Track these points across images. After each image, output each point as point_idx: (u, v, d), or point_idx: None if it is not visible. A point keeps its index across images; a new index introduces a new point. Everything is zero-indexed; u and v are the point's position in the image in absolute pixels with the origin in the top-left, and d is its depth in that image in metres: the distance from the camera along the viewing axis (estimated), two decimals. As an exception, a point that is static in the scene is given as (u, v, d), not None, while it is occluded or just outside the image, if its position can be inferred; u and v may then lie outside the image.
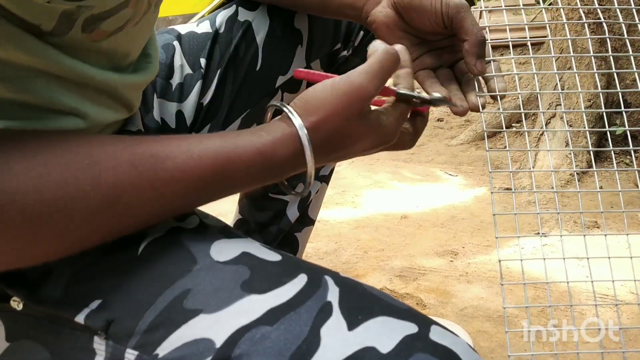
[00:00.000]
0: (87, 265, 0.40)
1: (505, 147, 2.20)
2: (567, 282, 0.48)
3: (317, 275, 0.40)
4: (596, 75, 0.69)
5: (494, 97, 0.60)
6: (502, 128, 2.30)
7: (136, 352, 0.36)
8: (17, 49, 0.36)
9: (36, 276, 0.40)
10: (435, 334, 0.37)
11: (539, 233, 1.44)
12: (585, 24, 0.77)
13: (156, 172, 0.37)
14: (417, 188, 1.99)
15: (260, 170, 0.42)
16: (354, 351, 0.35)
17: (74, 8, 0.37)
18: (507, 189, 1.82)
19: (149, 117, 0.65)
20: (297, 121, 0.42)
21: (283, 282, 0.38)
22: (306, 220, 0.92)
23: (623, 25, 0.64)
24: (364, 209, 1.77)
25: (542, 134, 2.04)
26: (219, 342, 0.35)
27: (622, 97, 2.06)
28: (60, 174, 0.34)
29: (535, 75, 0.62)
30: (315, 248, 1.47)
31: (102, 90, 0.44)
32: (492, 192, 0.47)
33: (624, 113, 0.57)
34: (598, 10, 0.69)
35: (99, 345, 0.37)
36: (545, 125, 2.06)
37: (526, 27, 0.65)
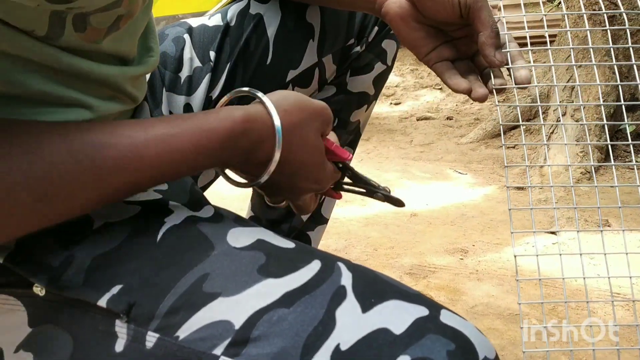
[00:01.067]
0: (107, 251, 0.41)
1: (516, 145, 2.20)
2: (584, 278, 0.48)
3: (330, 261, 0.41)
4: (615, 67, 0.68)
5: (519, 85, 0.58)
6: (513, 125, 2.30)
7: (157, 335, 0.37)
8: (13, 48, 0.36)
9: (58, 263, 0.40)
10: (445, 317, 0.38)
11: (552, 231, 1.44)
12: (597, 18, 0.76)
13: (95, 161, 0.36)
14: (427, 186, 1.99)
15: (217, 151, 0.42)
16: (368, 332, 0.36)
17: (63, 9, 0.36)
18: (519, 187, 1.82)
19: (157, 112, 0.65)
20: (268, 102, 0.45)
21: (298, 267, 0.40)
22: (319, 218, 0.92)
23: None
24: (374, 207, 1.77)
25: (552, 132, 2.03)
26: (237, 324, 0.36)
27: (634, 95, 2.05)
28: None
29: (552, 68, 0.62)
30: (325, 245, 1.47)
31: (103, 83, 0.44)
32: (507, 187, 0.47)
33: None
34: (619, 2, 0.69)
35: (121, 328, 0.38)
36: (556, 122, 2.05)
37: (544, 20, 0.65)
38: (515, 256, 0.49)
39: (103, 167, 0.36)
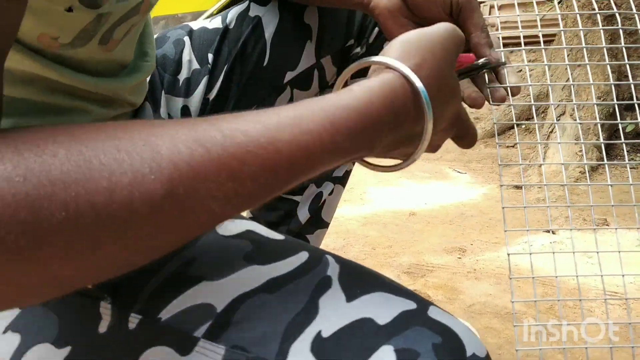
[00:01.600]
0: None
1: (515, 144, 2.20)
2: (577, 276, 0.48)
3: (318, 253, 0.41)
4: (608, 68, 0.68)
5: (509, 92, 0.59)
6: (512, 124, 2.29)
7: (140, 316, 0.38)
8: (25, 66, 0.37)
9: None
10: (433, 313, 0.38)
11: (548, 230, 1.44)
12: (597, 18, 0.76)
13: (226, 148, 0.30)
14: (426, 185, 1.99)
15: (359, 132, 0.34)
16: (351, 321, 0.36)
17: (94, 22, 0.37)
18: (518, 187, 1.82)
19: (156, 115, 0.65)
20: (398, 64, 0.37)
21: (284, 256, 0.40)
22: (319, 222, 0.92)
23: (637, 16, 0.64)
24: (372, 206, 1.77)
25: (551, 131, 2.03)
26: (219, 308, 0.37)
27: (634, 93, 2.05)
28: (106, 157, 0.27)
29: (547, 67, 0.62)
30: (324, 244, 1.47)
31: (103, 94, 0.45)
32: (501, 186, 0.47)
33: (636, 106, 0.56)
34: (612, 3, 0.69)
35: (105, 309, 0.38)
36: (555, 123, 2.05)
37: (538, 20, 0.65)
38: (508, 254, 0.49)
39: (235, 154, 0.30)
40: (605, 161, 0.53)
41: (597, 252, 0.47)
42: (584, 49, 0.68)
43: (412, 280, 1.27)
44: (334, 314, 0.36)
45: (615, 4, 0.74)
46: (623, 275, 0.47)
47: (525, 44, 0.65)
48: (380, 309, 0.36)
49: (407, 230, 1.57)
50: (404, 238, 1.51)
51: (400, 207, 1.75)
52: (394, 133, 0.37)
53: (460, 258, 1.39)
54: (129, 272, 0.38)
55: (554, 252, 0.48)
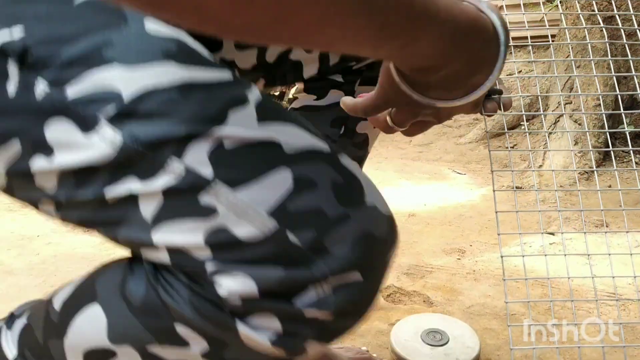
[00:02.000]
0: None
1: (514, 145, 2.20)
2: (569, 278, 0.49)
3: (244, 81, 0.39)
4: (596, 80, 0.69)
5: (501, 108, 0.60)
6: (509, 127, 2.30)
7: (46, 83, 0.36)
8: None
9: None
10: (345, 160, 0.38)
11: (545, 232, 1.44)
12: (595, 21, 0.76)
13: None
14: (425, 186, 1.99)
15: (459, 33, 0.37)
16: (257, 140, 0.36)
17: None
18: (518, 187, 1.82)
19: None
20: (491, 13, 0.40)
21: (207, 67, 0.38)
22: None
23: (634, 18, 0.64)
24: (372, 207, 1.77)
25: (551, 133, 2.03)
26: (126, 96, 0.35)
27: (633, 96, 2.05)
28: None
29: (536, 79, 0.62)
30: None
31: None
32: (494, 191, 0.48)
33: (623, 116, 0.57)
34: (613, 5, 0.70)
35: (13, 68, 0.37)
36: (555, 123, 2.05)
37: (525, 21, 0.66)
38: (502, 257, 0.49)
39: None
40: (595, 168, 0.53)
41: (588, 255, 0.48)
42: (588, 50, 0.68)
43: (412, 282, 1.27)
44: (241, 127, 0.35)
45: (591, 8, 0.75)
46: (613, 277, 0.48)
47: (523, 45, 0.66)
48: (291, 139, 0.36)
49: (407, 231, 1.58)
50: (403, 239, 1.51)
51: (399, 208, 1.76)
52: (468, 62, 0.40)
53: (459, 259, 1.39)
54: (41, 36, 0.36)
55: (546, 255, 0.49)
